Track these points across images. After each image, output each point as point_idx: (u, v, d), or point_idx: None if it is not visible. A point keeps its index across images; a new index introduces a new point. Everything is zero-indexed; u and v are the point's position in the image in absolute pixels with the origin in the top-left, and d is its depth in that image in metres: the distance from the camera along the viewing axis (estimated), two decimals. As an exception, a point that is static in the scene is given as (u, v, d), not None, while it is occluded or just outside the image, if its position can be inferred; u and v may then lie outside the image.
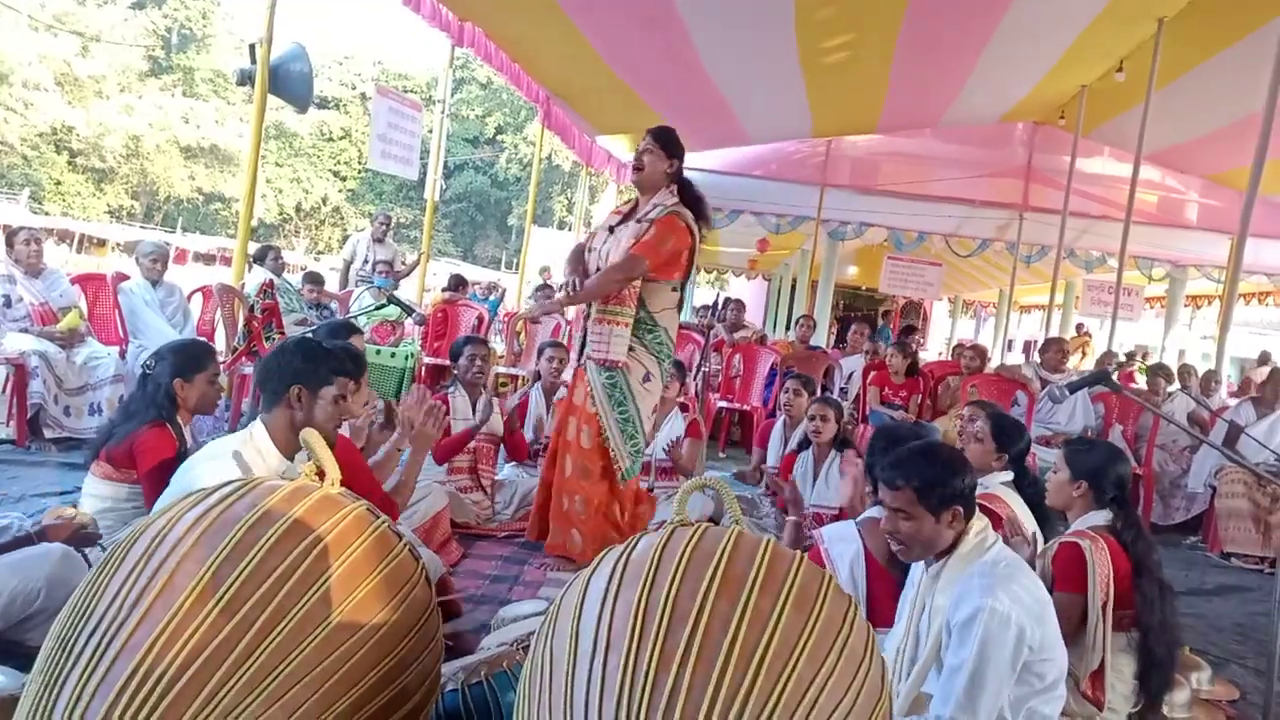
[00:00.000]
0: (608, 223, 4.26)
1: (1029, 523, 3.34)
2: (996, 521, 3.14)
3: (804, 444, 4.84)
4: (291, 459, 2.73)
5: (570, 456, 4.23)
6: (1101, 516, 2.93)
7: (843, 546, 3.08)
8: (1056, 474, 3.08)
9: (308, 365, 2.73)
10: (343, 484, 1.96)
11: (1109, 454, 3.03)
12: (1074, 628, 2.72)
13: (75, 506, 3.05)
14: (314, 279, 8.18)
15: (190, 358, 3.17)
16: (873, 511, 3.19)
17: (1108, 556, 2.78)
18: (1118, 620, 2.78)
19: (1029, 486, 3.45)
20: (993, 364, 9.07)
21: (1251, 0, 7.09)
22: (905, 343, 8.22)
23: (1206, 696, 3.44)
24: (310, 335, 5.43)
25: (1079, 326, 15.23)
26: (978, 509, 2.46)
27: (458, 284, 9.68)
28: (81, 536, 2.77)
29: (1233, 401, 7.86)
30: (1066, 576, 2.77)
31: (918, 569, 2.54)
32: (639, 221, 4.13)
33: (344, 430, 3.32)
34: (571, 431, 4.24)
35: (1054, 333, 12.60)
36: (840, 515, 4.42)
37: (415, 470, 3.33)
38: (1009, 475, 3.56)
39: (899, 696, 2.37)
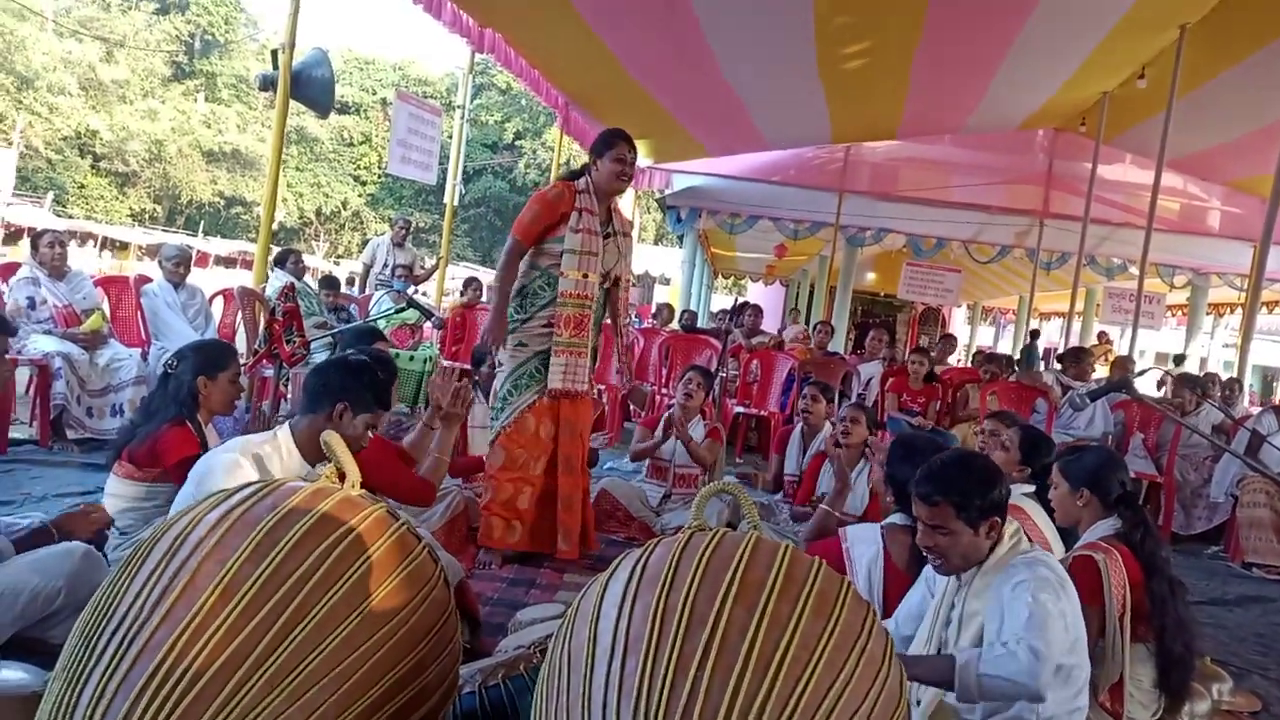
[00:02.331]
0: (588, 226, 4.12)
1: (1051, 534, 3.32)
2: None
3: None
4: (314, 465, 2.76)
5: (579, 456, 4.31)
6: (1109, 525, 2.90)
7: (863, 548, 3.08)
8: (1057, 489, 3.05)
9: (361, 388, 2.83)
10: (370, 477, 1.97)
11: (1102, 457, 3.01)
12: (1092, 641, 2.70)
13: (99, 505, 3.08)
14: (329, 284, 8.22)
15: (213, 357, 3.20)
16: (895, 518, 3.19)
17: (1122, 567, 2.75)
18: (1135, 631, 2.76)
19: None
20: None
21: (1274, 8, 7.03)
22: (925, 348, 8.19)
23: (1228, 707, 3.41)
24: (333, 338, 5.46)
25: (1101, 334, 15.14)
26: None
27: (466, 285, 9.54)
28: (97, 536, 2.80)
29: (1255, 410, 7.80)
30: (1083, 590, 2.74)
31: (941, 578, 2.52)
32: (627, 235, 4.36)
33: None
34: (583, 429, 4.34)
35: (1074, 340, 12.53)
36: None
37: (448, 448, 3.40)
38: (1031, 487, 3.54)
39: (919, 705, 2.36)
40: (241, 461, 2.56)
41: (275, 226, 8.75)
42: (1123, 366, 8.63)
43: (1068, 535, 3.30)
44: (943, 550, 2.36)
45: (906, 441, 3.36)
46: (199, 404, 3.12)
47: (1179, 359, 12.93)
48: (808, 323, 15.67)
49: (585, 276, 4.09)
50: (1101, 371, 12.21)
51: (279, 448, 2.71)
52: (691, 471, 5.29)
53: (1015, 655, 2.11)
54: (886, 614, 2.87)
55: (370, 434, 2.87)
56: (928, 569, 2.70)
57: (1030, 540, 2.56)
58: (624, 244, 4.31)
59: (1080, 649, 2.28)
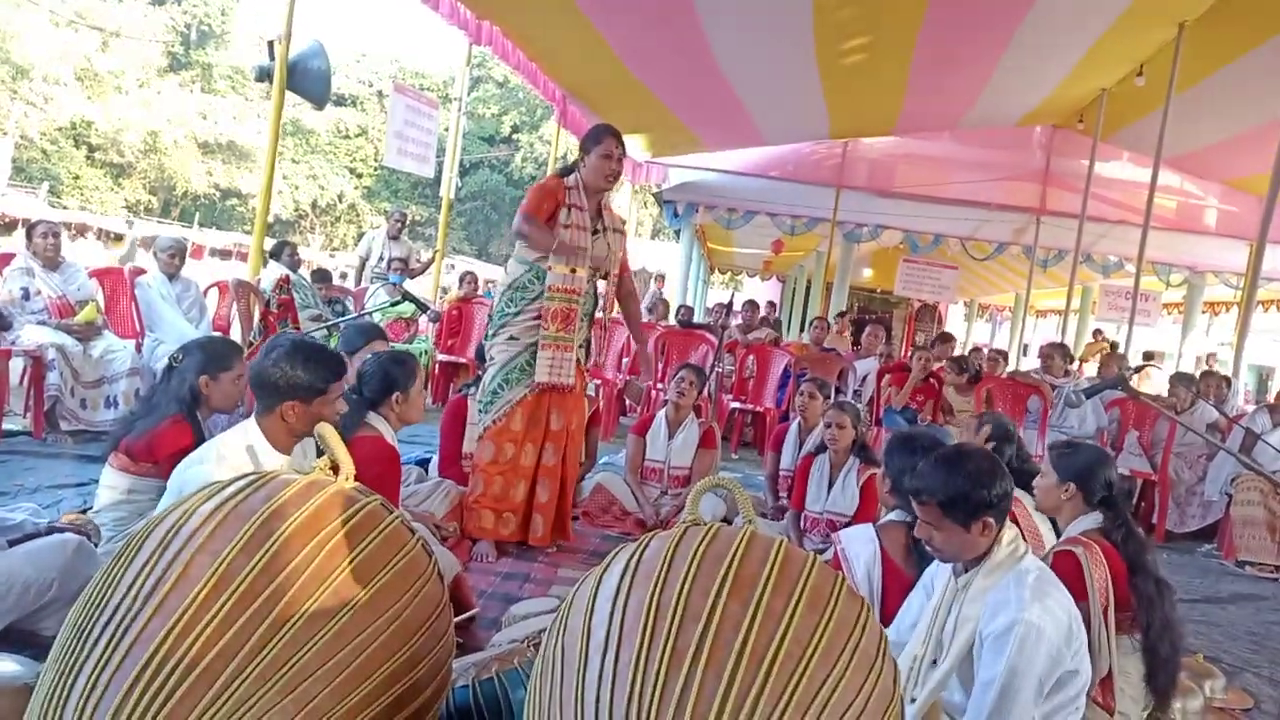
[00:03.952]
0: (578, 222, 4.15)
1: (1042, 522, 3.33)
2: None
3: (821, 447, 4.82)
4: (289, 453, 2.78)
5: (573, 446, 4.39)
6: (1092, 519, 2.91)
7: (859, 548, 3.07)
8: (1044, 478, 3.06)
9: (301, 377, 2.71)
10: (359, 475, 1.96)
11: (1095, 455, 3.01)
12: (1082, 637, 2.71)
13: (86, 513, 3.07)
14: (321, 277, 8.18)
15: (217, 356, 3.18)
16: (892, 515, 3.18)
17: (1103, 560, 2.76)
18: (1119, 623, 2.76)
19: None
20: (1009, 368, 9.00)
21: (1272, 6, 7.04)
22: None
23: (1220, 705, 3.42)
24: (328, 330, 5.43)
25: (1096, 332, 15.17)
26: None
27: (462, 279, 9.48)
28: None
29: (1249, 409, 7.81)
30: (1065, 586, 2.75)
31: (939, 577, 2.53)
32: (620, 231, 4.37)
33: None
34: (575, 422, 4.39)
35: (1069, 338, 12.56)
36: (852, 524, 4.41)
37: None
38: None
39: (914, 703, 2.36)
40: (216, 473, 2.54)
41: (271, 218, 8.72)
42: (1115, 362, 8.63)
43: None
44: (939, 544, 2.39)
45: (905, 437, 3.36)
46: (200, 402, 3.11)
47: (1148, 355, 12.96)
48: (804, 318, 15.67)
49: (573, 271, 4.11)
50: (1089, 370, 12.23)
51: (250, 443, 2.71)
52: (686, 473, 5.28)
53: None
54: (887, 612, 2.87)
55: (336, 408, 2.81)
56: (926, 573, 2.70)
57: (1025, 540, 2.56)
58: (615, 239, 4.31)
59: (1077, 655, 2.28)
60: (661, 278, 16.24)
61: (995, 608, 2.25)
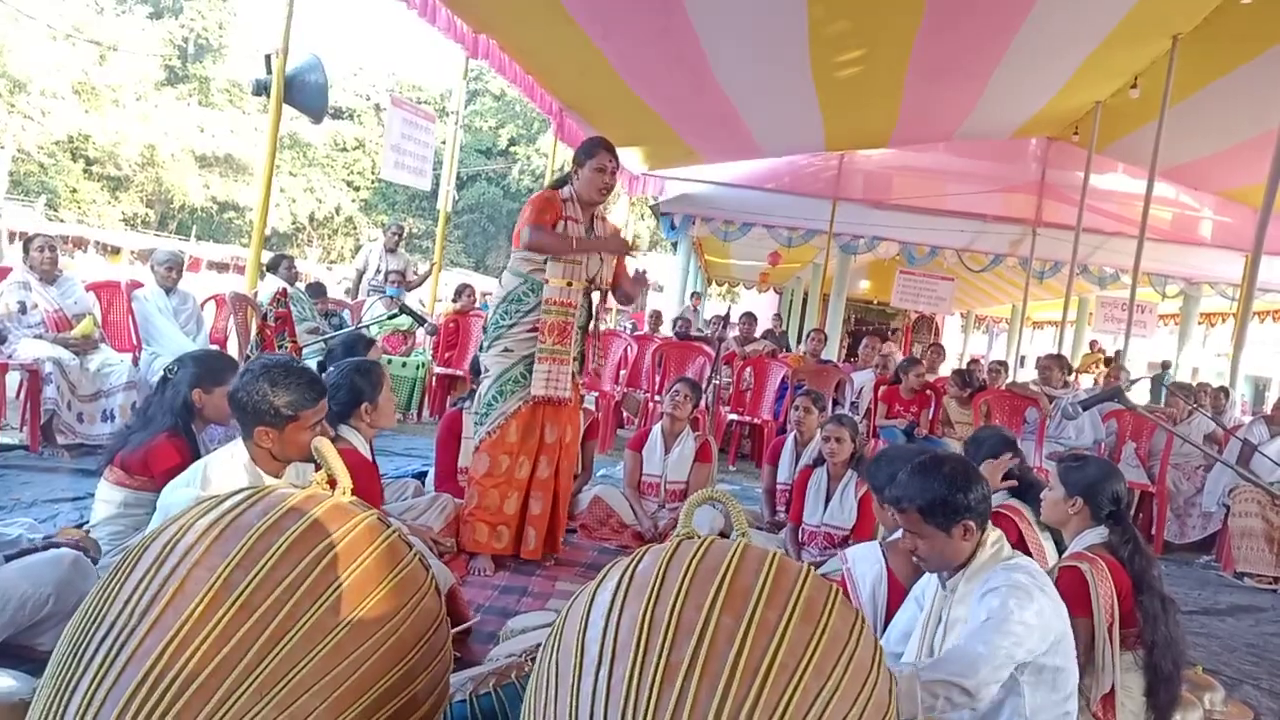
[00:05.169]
0: (573, 234, 4.12)
1: (1043, 535, 3.33)
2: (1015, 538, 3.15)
3: (819, 460, 4.81)
4: (278, 476, 2.76)
5: (567, 459, 4.36)
6: (1097, 534, 2.90)
7: (866, 566, 3.07)
8: (1051, 491, 3.06)
9: (270, 405, 2.64)
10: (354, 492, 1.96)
11: (1103, 470, 3.01)
12: (1084, 652, 2.70)
13: (83, 528, 3.06)
14: (317, 291, 8.18)
15: (211, 370, 3.17)
16: (898, 533, 3.18)
17: (1109, 576, 2.75)
18: (1123, 639, 2.76)
19: (1035, 499, 3.41)
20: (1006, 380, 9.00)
21: (1266, 18, 7.08)
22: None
23: (1220, 717, 3.40)
24: (325, 343, 5.42)
25: (1093, 343, 15.19)
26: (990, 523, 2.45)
27: (459, 292, 9.50)
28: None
29: (1247, 419, 7.82)
30: (1071, 601, 2.73)
31: (930, 588, 2.53)
32: (617, 237, 4.37)
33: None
34: (569, 435, 4.36)
35: (1066, 349, 12.58)
36: (849, 538, 4.41)
37: None
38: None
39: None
40: (201, 497, 2.53)
41: (268, 231, 8.73)
42: (1114, 369, 8.65)
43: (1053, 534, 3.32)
44: (922, 554, 2.42)
45: (888, 455, 3.36)
46: (194, 414, 3.11)
47: (1109, 360, 12.95)
48: (801, 330, 15.66)
49: (569, 284, 4.11)
50: (1086, 381, 12.24)
51: (236, 465, 2.70)
52: (683, 486, 5.27)
53: (952, 655, 2.17)
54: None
55: (318, 430, 2.75)
56: (918, 584, 2.70)
57: (1013, 546, 2.57)
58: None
59: (1064, 651, 2.29)
60: (697, 295, 16.14)
61: (985, 587, 2.30)
